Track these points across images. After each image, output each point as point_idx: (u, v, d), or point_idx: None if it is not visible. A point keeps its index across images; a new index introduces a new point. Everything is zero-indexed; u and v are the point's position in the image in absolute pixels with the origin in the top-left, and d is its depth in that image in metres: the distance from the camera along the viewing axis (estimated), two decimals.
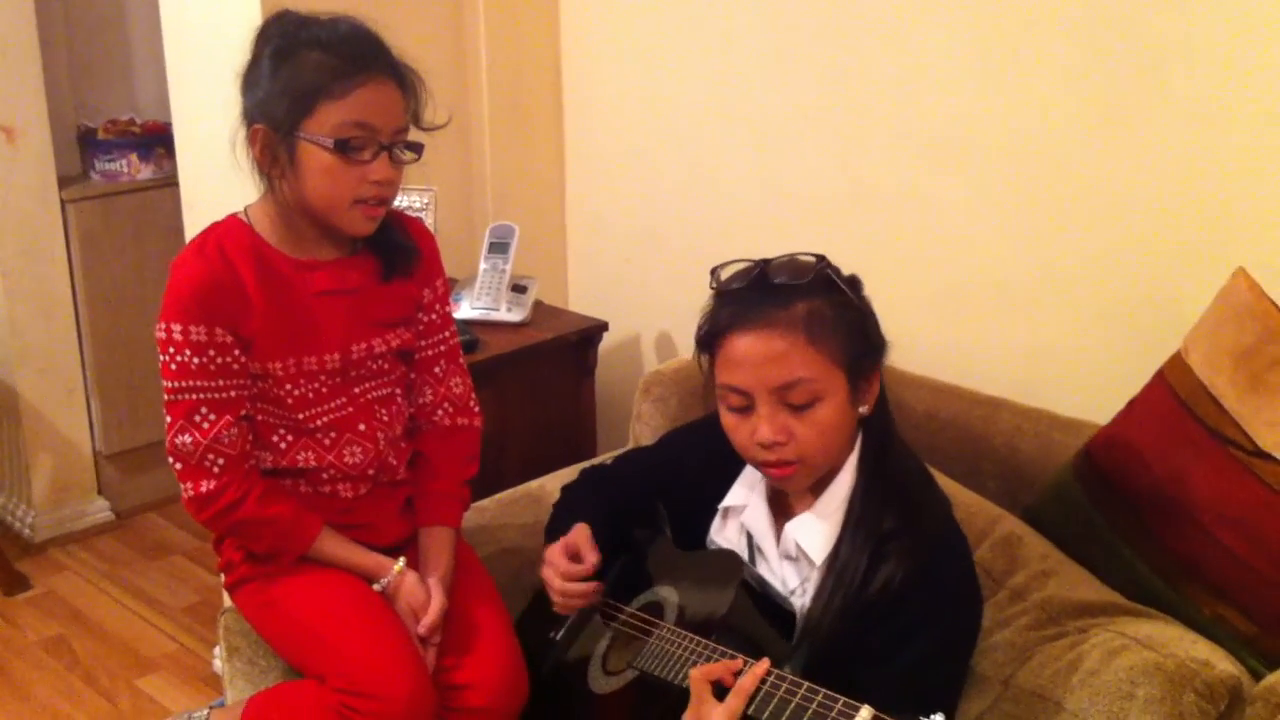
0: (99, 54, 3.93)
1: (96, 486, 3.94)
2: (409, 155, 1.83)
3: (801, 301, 1.63)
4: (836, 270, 1.70)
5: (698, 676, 1.56)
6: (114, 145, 3.77)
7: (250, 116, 1.80)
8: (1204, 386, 1.76)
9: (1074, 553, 1.88)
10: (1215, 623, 1.72)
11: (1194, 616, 1.73)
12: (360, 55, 1.76)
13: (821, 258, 1.69)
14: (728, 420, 1.70)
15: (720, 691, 1.55)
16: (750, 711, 1.52)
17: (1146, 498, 1.81)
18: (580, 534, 1.87)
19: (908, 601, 1.62)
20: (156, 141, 3.79)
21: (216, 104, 2.60)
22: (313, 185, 1.78)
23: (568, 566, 1.83)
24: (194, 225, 2.78)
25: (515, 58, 2.92)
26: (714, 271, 1.73)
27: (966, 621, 1.69)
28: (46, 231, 3.64)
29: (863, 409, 1.70)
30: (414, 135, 1.85)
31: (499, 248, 2.81)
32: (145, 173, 3.80)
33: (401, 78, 1.80)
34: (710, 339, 1.69)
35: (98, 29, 3.91)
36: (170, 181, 3.46)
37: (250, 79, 1.80)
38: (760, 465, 1.70)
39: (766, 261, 1.69)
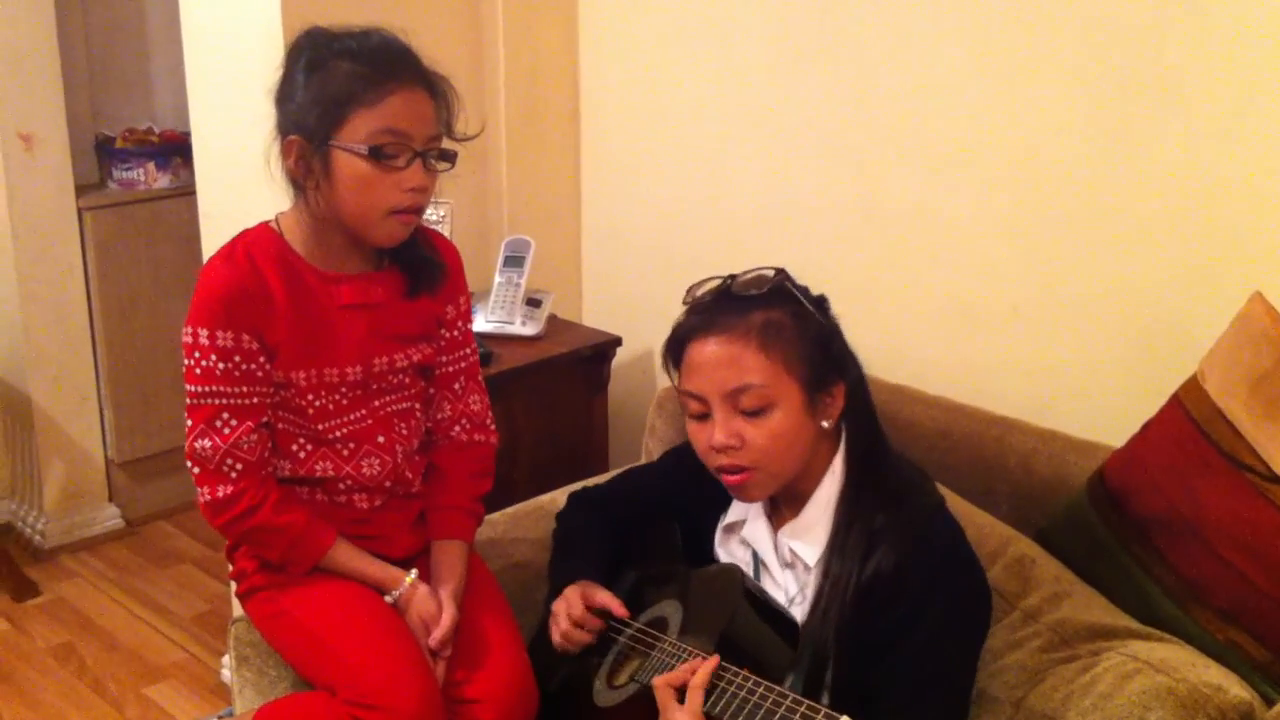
0: (117, 63, 3.95)
1: (108, 494, 3.95)
2: (443, 164, 1.84)
3: (759, 311, 1.70)
4: (795, 283, 1.75)
5: (660, 684, 1.62)
6: (131, 154, 3.79)
7: (284, 129, 1.80)
8: (1220, 411, 1.75)
9: (1087, 575, 1.87)
10: (1228, 648, 1.71)
11: (1206, 642, 1.72)
12: (391, 64, 1.77)
13: (780, 270, 1.75)
14: (690, 428, 1.76)
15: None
16: (715, 712, 1.56)
17: (1160, 522, 1.80)
18: (603, 594, 1.89)
19: (902, 590, 1.64)
20: (174, 151, 3.81)
21: (235, 114, 2.64)
22: (348, 194, 1.78)
23: (582, 611, 1.87)
24: (210, 234, 2.79)
25: (532, 72, 2.93)
26: (690, 290, 1.79)
27: (963, 602, 1.70)
28: (63, 239, 3.66)
29: (824, 423, 1.73)
30: (447, 145, 1.86)
31: (514, 261, 2.81)
32: (162, 182, 3.82)
33: (432, 86, 1.81)
34: (673, 347, 1.77)
35: (117, 38, 3.93)
36: (187, 191, 3.47)
37: (283, 93, 1.81)
38: (716, 472, 1.74)
39: (733, 276, 1.75)
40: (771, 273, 1.74)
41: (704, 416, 1.72)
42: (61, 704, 3.06)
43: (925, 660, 1.62)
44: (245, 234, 1.89)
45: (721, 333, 1.69)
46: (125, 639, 3.34)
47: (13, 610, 3.47)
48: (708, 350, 1.70)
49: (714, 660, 1.61)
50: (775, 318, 1.69)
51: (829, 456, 1.76)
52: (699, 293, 1.77)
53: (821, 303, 1.77)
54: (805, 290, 1.75)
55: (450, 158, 1.85)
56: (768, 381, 1.67)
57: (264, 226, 1.90)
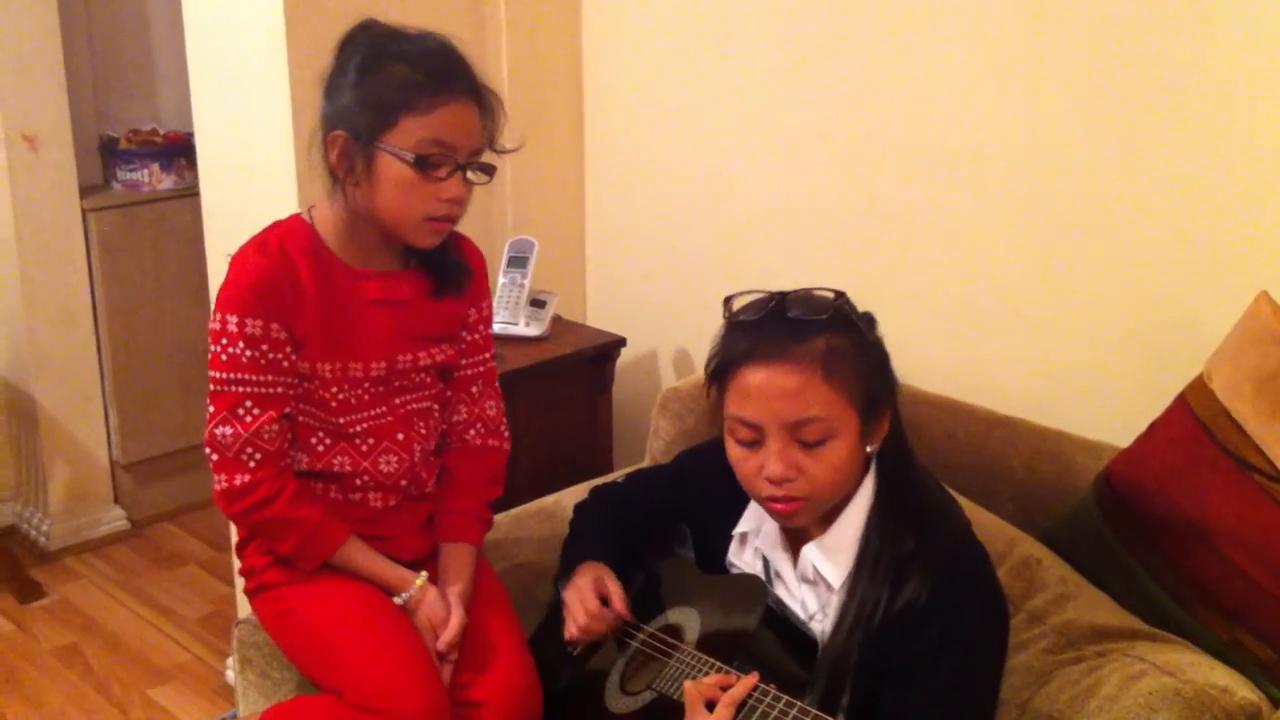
0: (121, 64, 3.95)
1: (112, 495, 3.95)
2: (482, 177, 1.85)
3: (819, 337, 1.61)
4: (854, 308, 1.68)
5: (691, 689, 1.59)
6: (135, 155, 3.79)
7: (331, 122, 1.81)
8: (1226, 411, 1.75)
9: (1093, 576, 1.87)
10: (1233, 649, 1.71)
11: (1212, 643, 1.72)
12: (446, 73, 1.78)
13: (840, 294, 1.67)
14: (734, 452, 1.68)
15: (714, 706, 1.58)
16: None
17: (1165, 522, 1.79)
18: (613, 584, 1.88)
19: (933, 619, 1.61)
20: (178, 151, 3.81)
21: (238, 115, 2.63)
22: (387, 197, 1.79)
23: (597, 606, 1.85)
24: (214, 235, 2.79)
25: (536, 72, 2.92)
26: (727, 301, 1.71)
27: (993, 634, 1.68)
28: (67, 240, 3.66)
29: (870, 448, 1.69)
30: (486, 158, 1.87)
31: (518, 262, 2.81)
32: (166, 183, 3.82)
33: (482, 99, 1.82)
34: (723, 370, 1.67)
35: (121, 39, 3.93)
36: (191, 192, 3.47)
37: (333, 85, 1.81)
38: (764, 500, 1.68)
39: (783, 294, 1.67)
40: (830, 295, 1.66)
41: (753, 443, 1.65)
42: (66, 706, 3.06)
43: (955, 691, 1.60)
44: (278, 225, 1.90)
45: (783, 360, 1.60)
46: (130, 641, 3.34)
47: (17, 612, 3.47)
48: (767, 378, 1.60)
49: (753, 678, 1.58)
50: (837, 345, 1.61)
51: (861, 476, 1.72)
52: (737, 307, 1.69)
53: (872, 323, 1.70)
54: (857, 312, 1.68)
55: (489, 171, 1.86)
56: (831, 414, 1.60)
57: (297, 218, 1.91)
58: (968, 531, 1.72)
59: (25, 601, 3.51)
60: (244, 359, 1.81)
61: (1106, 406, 2.17)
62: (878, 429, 1.69)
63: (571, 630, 1.86)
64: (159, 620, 3.43)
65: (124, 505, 3.97)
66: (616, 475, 2.24)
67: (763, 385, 1.61)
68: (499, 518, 2.24)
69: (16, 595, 3.52)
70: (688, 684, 1.60)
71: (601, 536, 1.98)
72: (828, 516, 1.72)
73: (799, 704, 1.54)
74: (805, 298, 1.67)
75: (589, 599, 1.85)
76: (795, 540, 1.76)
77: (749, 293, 1.71)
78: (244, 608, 2.02)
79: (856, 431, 1.64)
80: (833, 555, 1.70)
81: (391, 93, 1.76)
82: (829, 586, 1.70)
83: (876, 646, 1.63)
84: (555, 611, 1.97)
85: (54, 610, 3.49)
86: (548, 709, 1.91)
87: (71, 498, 3.84)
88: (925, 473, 1.79)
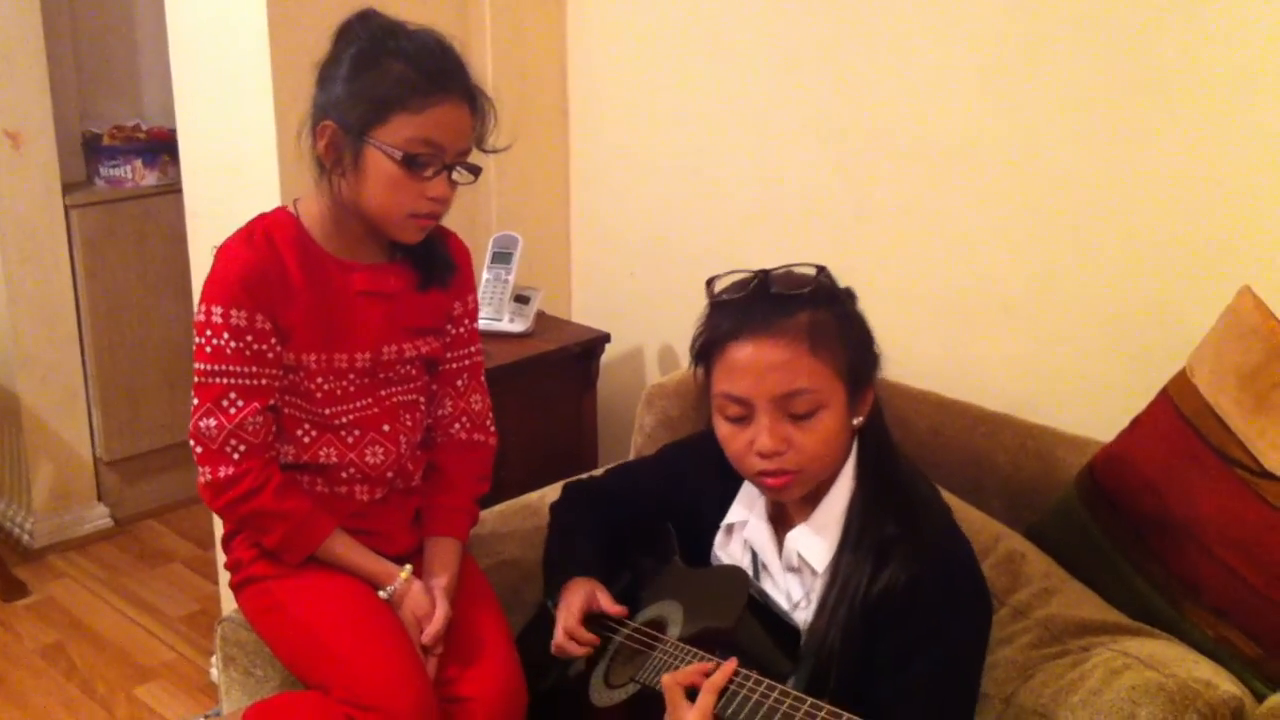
0: (105, 60, 3.94)
1: (96, 493, 3.94)
2: (467, 177, 1.85)
3: (804, 311, 1.64)
4: (835, 282, 1.71)
5: (670, 682, 1.59)
6: (119, 151, 3.77)
7: (321, 111, 1.81)
8: (1209, 406, 1.75)
9: (1077, 571, 1.87)
10: (1219, 645, 1.71)
11: (1198, 638, 1.72)
12: (442, 74, 1.78)
13: (822, 268, 1.69)
14: (724, 430, 1.69)
15: (694, 695, 1.57)
16: (728, 715, 1.54)
17: (1149, 517, 1.80)
18: (605, 599, 1.88)
19: (916, 608, 1.61)
20: (161, 148, 3.79)
21: (221, 111, 2.63)
22: (373, 191, 1.80)
23: (586, 636, 1.84)
24: (197, 232, 2.78)
25: (520, 67, 2.92)
26: (709, 283, 1.72)
27: (977, 624, 1.68)
28: (50, 237, 3.65)
29: (857, 420, 1.70)
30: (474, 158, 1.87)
31: (502, 258, 2.81)
32: (149, 179, 3.80)
33: (475, 101, 1.82)
34: (709, 348, 1.69)
35: (104, 35, 3.92)
36: (174, 188, 3.46)
37: (327, 74, 1.81)
38: (756, 476, 1.69)
39: (765, 272, 1.69)
40: (812, 270, 1.69)
41: (742, 419, 1.66)
42: (50, 704, 3.05)
43: (939, 683, 1.60)
44: (264, 217, 1.90)
45: (769, 335, 1.62)
46: (114, 639, 3.33)
47: (1, 610, 3.46)
48: (755, 353, 1.62)
49: (732, 663, 1.58)
50: (821, 318, 1.64)
51: (844, 459, 1.73)
52: (719, 288, 1.71)
53: (853, 296, 1.72)
54: (838, 286, 1.71)
55: (476, 171, 1.86)
56: (819, 385, 1.62)
57: (282, 210, 1.91)
58: (950, 520, 1.73)
59: (9, 600, 3.50)
60: (228, 350, 1.81)
61: (1092, 402, 2.17)
62: (863, 400, 1.70)
63: (556, 640, 1.86)
64: (143, 618, 3.42)
65: (108, 503, 3.96)
66: (595, 472, 2.23)
67: (751, 360, 1.63)
68: (484, 514, 2.23)
69: (1, 594, 3.51)
70: (665, 677, 1.61)
71: (584, 548, 1.97)
72: (812, 499, 1.72)
73: (780, 686, 1.55)
74: (787, 274, 1.69)
75: (579, 632, 1.84)
76: (781, 529, 1.77)
77: (731, 273, 1.72)
78: (228, 605, 2.01)
79: (844, 403, 1.66)
80: (815, 540, 1.71)
81: (385, 89, 1.75)
82: (813, 571, 1.71)
83: (859, 632, 1.63)
84: (542, 615, 1.97)
85: (38, 609, 3.48)
86: (532, 704, 1.91)
87: (55, 496, 3.82)
88: (906, 461, 1.80)
